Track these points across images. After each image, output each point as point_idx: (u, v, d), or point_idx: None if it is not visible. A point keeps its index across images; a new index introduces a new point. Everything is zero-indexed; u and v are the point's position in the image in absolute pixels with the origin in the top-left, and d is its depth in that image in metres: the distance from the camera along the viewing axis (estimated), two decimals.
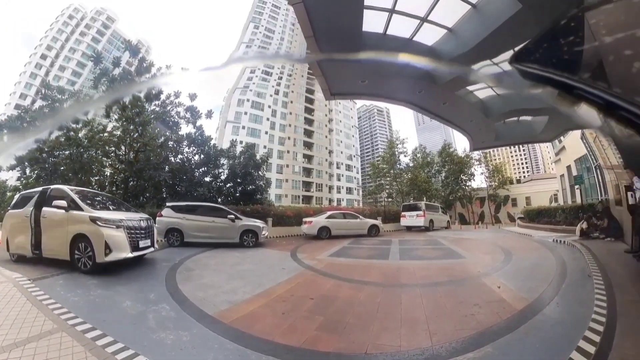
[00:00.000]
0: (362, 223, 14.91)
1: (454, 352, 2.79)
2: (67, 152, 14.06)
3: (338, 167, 71.64)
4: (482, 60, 6.64)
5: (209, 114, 18.85)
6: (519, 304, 4.02)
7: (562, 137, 16.35)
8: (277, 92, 65.52)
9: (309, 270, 6.46)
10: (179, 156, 17.84)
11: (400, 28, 6.26)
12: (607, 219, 9.82)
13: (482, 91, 9.54)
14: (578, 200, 16.01)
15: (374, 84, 7.38)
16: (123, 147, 15.37)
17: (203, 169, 18.29)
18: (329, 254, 8.84)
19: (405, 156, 36.01)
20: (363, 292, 4.83)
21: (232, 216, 10.51)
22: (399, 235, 15.58)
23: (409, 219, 19.24)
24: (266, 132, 60.54)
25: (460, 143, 72.85)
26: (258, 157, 20.13)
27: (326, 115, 73.30)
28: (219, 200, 17.12)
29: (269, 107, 63.30)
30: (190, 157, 18.19)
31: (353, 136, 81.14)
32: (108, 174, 16.47)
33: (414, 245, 11.30)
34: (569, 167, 18.32)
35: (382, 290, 5.04)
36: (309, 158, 66.56)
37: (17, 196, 7.57)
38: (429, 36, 6.52)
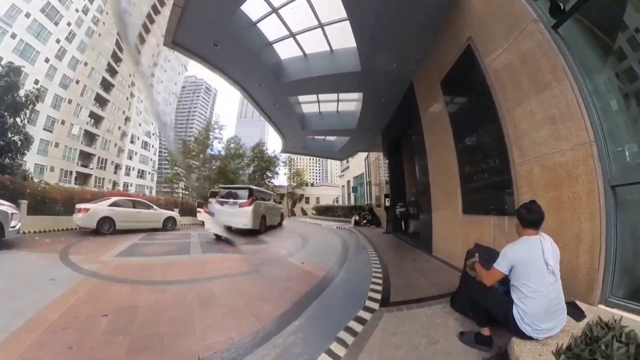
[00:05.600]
0: (157, 214, 12.78)
1: (282, 324, 3.11)
2: None
3: (132, 142, 54.79)
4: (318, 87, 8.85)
5: None
6: (320, 273, 5.18)
7: (350, 159, 21.93)
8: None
9: (92, 278, 4.84)
10: None
11: (269, 29, 6.81)
12: (371, 214, 15.35)
13: (308, 106, 11.33)
14: (353, 202, 23.39)
15: (223, 55, 7.02)
16: None
17: None
18: (115, 253, 7.04)
19: (219, 142, 35.79)
20: (170, 294, 4.27)
21: None
22: (199, 229, 13.84)
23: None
24: (47, 60, 37.51)
25: (272, 145, 78.80)
26: (22, 93, 13.59)
27: (150, 66, 56.23)
28: None
29: (69, 24, 40.05)
30: None
31: (171, 104, 67.13)
32: None
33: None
34: (348, 181, 26.67)
35: (190, 287, 4.57)
36: (97, 119, 46.17)
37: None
38: (287, 49, 7.64)
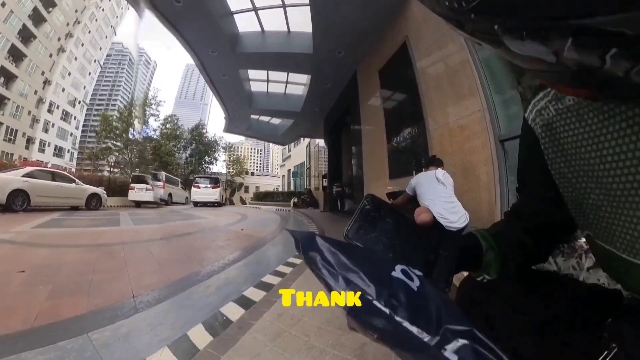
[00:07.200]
0: (80, 190, 11.18)
1: (228, 264, 3.30)
2: None
3: (51, 111, 44.80)
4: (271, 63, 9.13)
5: None
6: (260, 235, 5.58)
7: (292, 147, 22.54)
8: None
9: (4, 244, 4.06)
10: None
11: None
12: (310, 196, 16.99)
13: (256, 84, 11.33)
14: (293, 189, 24.26)
15: (183, 14, 6.67)
16: None
17: None
18: (32, 225, 6.10)
19: (156, 120, 32.10)
20: (100, 253, 3.75)
21: None
22: (129, 210, 12.81)
23: (139, 192, 15.09)
24: None
25: (212, 129, 74.80)
26: None
27: (68, 24, 45.86)
28: None
29: None
30: None
31: (90, 74, 56.84)
32: None
33: (149, 215, 10.27)
34: (289, 170, 27.55)
35: (123, 247, 4.14)
36: (9, 79, 37.24)
37: None
38: (246, 23, 7.89)
